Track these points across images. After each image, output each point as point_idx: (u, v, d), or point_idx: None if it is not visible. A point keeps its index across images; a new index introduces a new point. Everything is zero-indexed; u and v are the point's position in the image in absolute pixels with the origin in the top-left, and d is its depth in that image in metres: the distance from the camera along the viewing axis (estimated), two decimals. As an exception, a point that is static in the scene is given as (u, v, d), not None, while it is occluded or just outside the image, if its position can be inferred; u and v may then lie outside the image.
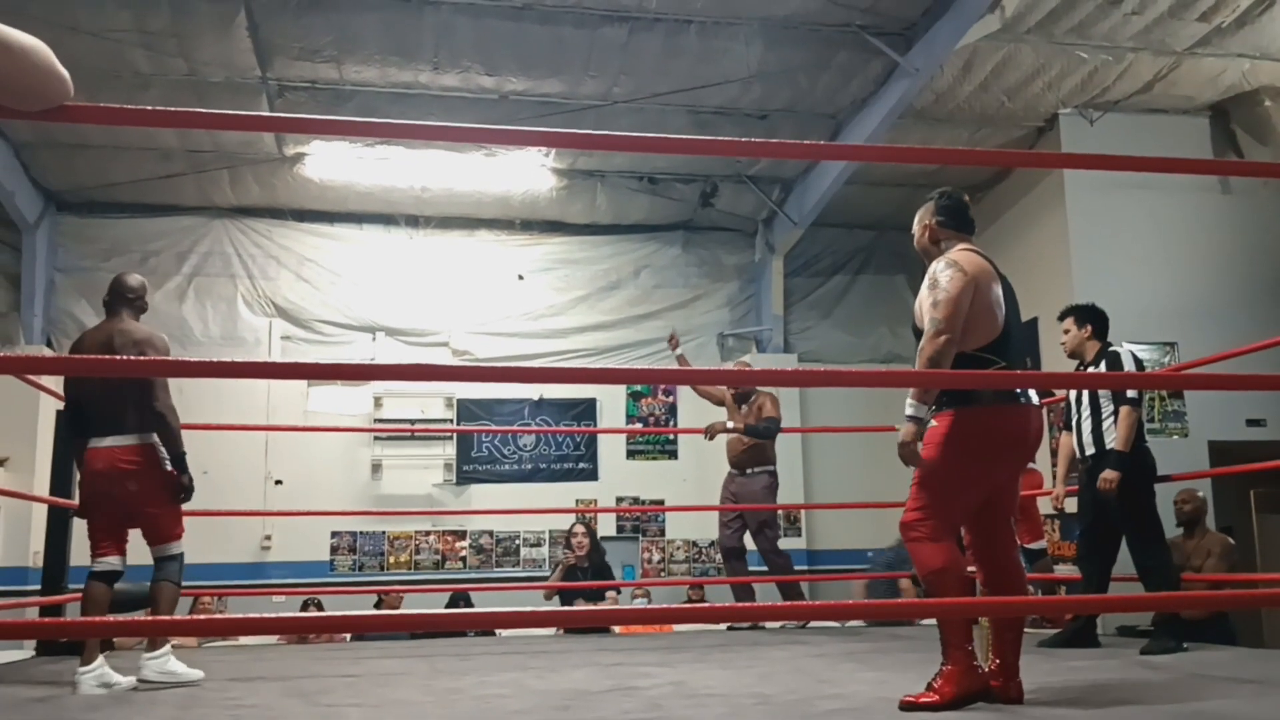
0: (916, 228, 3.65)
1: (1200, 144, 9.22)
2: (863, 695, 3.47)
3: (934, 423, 3.38)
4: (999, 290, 3.43)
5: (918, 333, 3.45)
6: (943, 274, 3.36)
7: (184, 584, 4.47)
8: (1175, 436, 8.67)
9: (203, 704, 3.58)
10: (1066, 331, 5.31)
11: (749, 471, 7.04)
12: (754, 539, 7.02)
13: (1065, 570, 7.82)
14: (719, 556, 10.44)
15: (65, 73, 2.04)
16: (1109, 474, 4.92)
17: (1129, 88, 8.77)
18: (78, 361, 4.29)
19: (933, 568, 3.26)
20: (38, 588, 7.43)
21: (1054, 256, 9.11)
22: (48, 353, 9.66)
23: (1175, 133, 9.09)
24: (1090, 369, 5.20)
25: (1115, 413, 5.03)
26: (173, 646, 4.20)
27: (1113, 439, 5.02)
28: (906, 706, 3.13)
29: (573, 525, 7.70)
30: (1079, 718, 3.05)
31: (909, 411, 3.27)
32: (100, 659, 4.01)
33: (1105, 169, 7.65)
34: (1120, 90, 8.81)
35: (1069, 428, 5.36)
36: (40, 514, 7.80)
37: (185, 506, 4.45)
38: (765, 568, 7.13)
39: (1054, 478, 6.43)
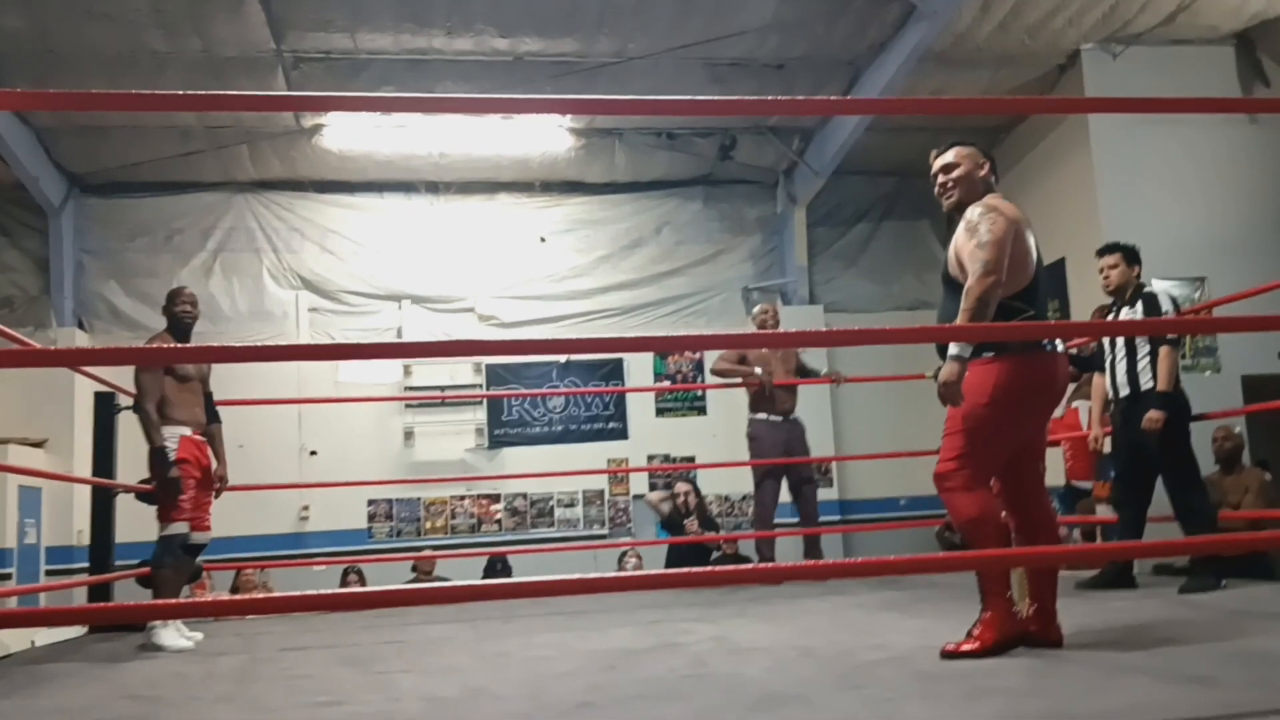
0: (967, 167, 3.50)
1: (1226, 74, 9.07)
2: (904, 645, 3.51)
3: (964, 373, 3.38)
4: (1032, 238, 3.43)
5: (948, 280, 3.44)
6: (983, 219, 3.32)
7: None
8: (1208, 372, 8.61)
9: (258, 677, 3.66)
10: (1114, 268, 5.19)
11: (794, 418, 6.97)
12: (804, 488, 6.88)
13: (1103, 511, 7.82)
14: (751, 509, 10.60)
15: None
16: (1154, 414, 4.90)
17: (1151, 20, 8.63)
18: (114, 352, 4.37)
19: (969, 517, 3.28)
20: (83, 565, 7.60)
21: (1080, 194, 9.02)
22: (80, 334, 9.76)
23: (1200, 64, 8.95)
24: (1126, 308, 5.16)
25: (1152, 353, 5.00)
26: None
27: (1148, 380, 5.00)
28: (948, 655, 3.17)
29: (675, 484, 7.71)
30: (1120, 660, 3.07)
31: (953, 351, 3.25)
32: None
33: (1131, 111, 7.56)
34: (1143, 23, 8.67)
35: (1102, 369, 5.35)
36: (82, 494, 7.94)
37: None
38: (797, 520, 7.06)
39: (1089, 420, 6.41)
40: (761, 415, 6.89)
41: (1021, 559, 3.52)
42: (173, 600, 4.67)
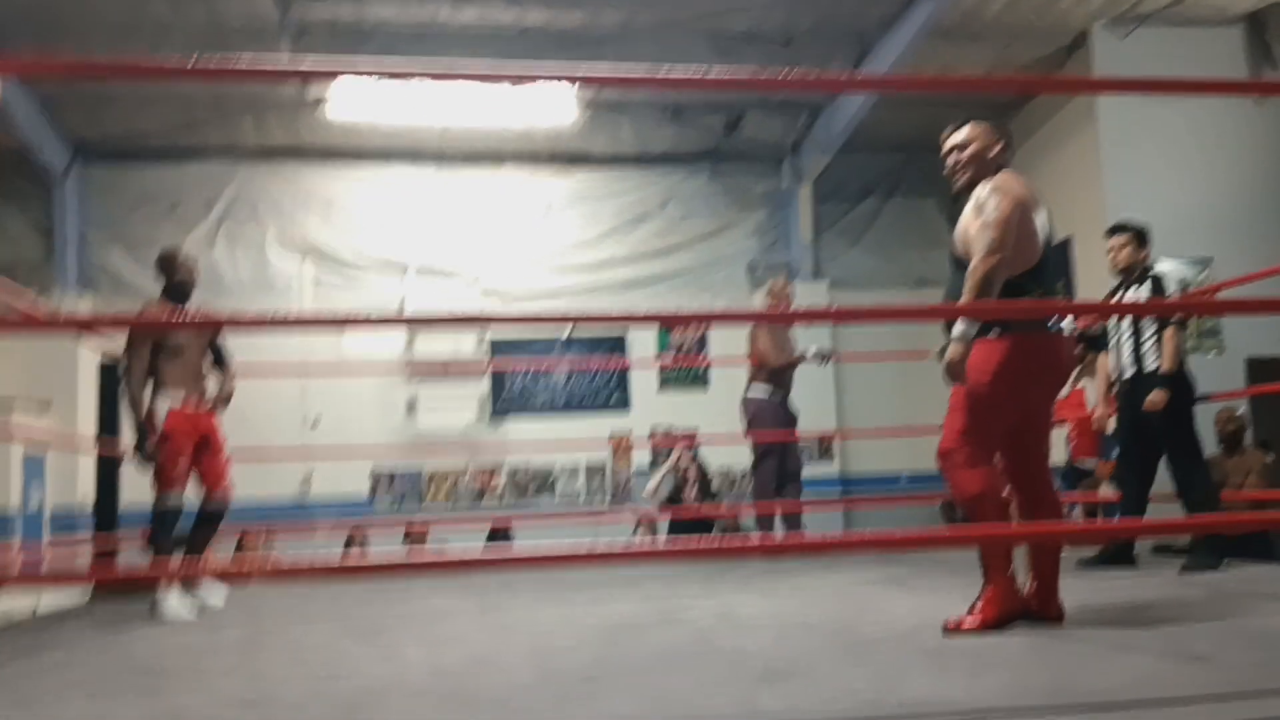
0: (978, 146, 3.50)
1: (1234, 56, 9.02)
2: (907, 620, 3.53)
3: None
4: (1041, 216, 3.43)
5: (955, 259, 3.45)
6: (991, 198, 3.33)
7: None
8: (1212, 354, 8.61)
9: (263, 646, 3.68)
10: (1124, 248, 5.20)
11: (790, 399, 6.98)
12: (789, 486, 6.91)
13: (1106, 490, 7.84)
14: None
15: None
16: (1156, 395, 4.91)
17: (1161, 0, 8.57)
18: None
19: (972, 493, 3.30)
20: (86, 530, 7.63)
21: (1086, 173, 8.99)
22: (84, 301, 9.77)
23: (1209, 45, 8.88)
24: (1133, 288, 5.15)
25: (1157, 334, 5.01)
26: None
27: (1153, 360, 5.00)
28: (950, 630, 3.19)
29: (678, 457, 7.71)
30: (1122, 637, 3.09)
31: (957, 330, 3.27)
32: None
33: (1139, 92, 7.53)
34: (1152, 3, 8.60)
35: (1107, 349, 5.35)
36: (86, 458, 7.97)
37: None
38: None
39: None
40: (766, 392, 6.89)
41: (1024, 536, 3.54)
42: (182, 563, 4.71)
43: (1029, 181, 3.48)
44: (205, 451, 4.97)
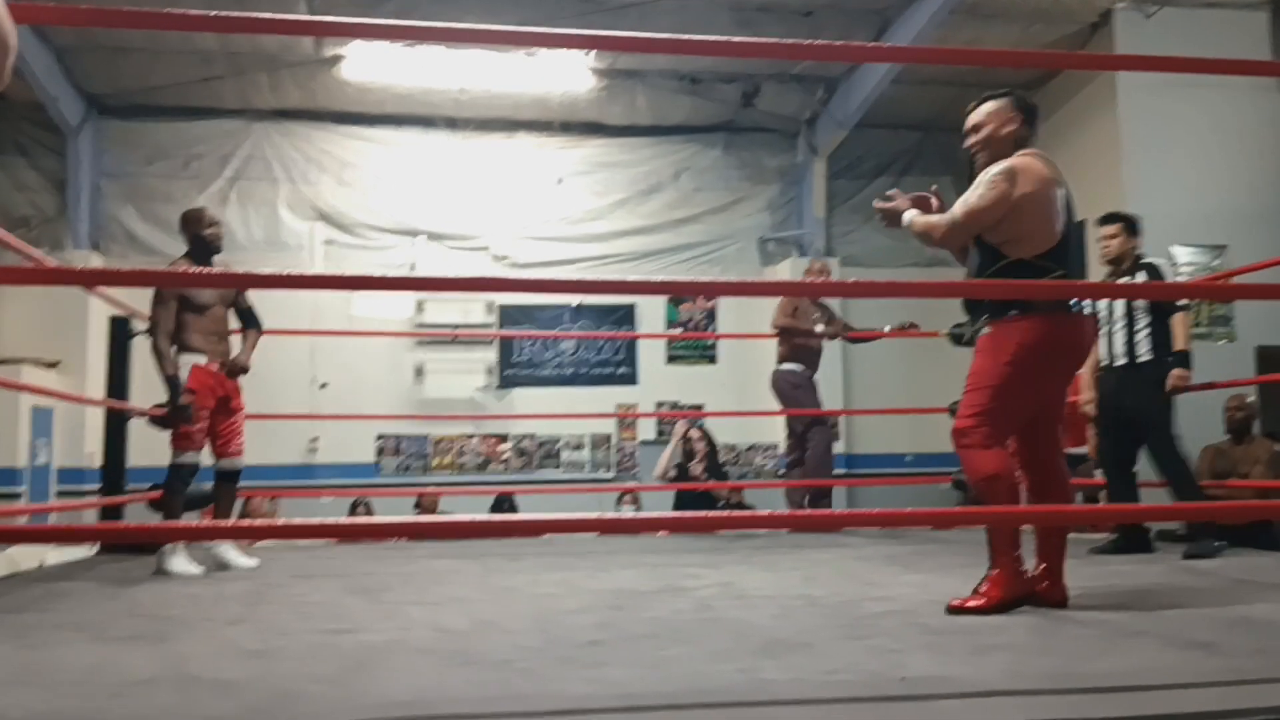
0: (993, 126, 3.50)
1: (1259, 39, 8.94)
2: (908, 598, 3.53)
3: (988, 330, 3.38)
4: (1059, 196, 3.40)
5: (978, 240, 3.46)
6: (984, 183, 3.36)
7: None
8: (1223, 342, 8.58)
9: (269, 600, 3.71)
10: (1113, 238, 5.23)
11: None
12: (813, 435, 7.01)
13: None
14: (761, 460, 10.66)
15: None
16: (1181, 372, 4.93)
17: (1187, -19, 8.50)
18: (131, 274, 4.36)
19: (984, 474, 3.29)
20: (94, 487, 7.66)
21: (1104, 157, 8.93)
22: (95, 257, 9.77)
23: (1233, 28, 8.81)
24: (1124, 278, 5.16)
25: (1153, 323, 5.01)
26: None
27: (1146, 350, 5.01)
28: (954, 610, 3.19)
29: (687, 430, 7.77)
30: (1125, 622, 3.10)
31: (908, 217, 3.60)
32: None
33: (1160, 70, 7.46)
34: (1177, -16, 8.53)
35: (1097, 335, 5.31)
36: (94, 416, 8.00)
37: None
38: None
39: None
40: (799, 366, 6.97)
41: (1029, 517, 3.54)
42: (184, 523, 4.72)
43: (1049, 159, 3.45)
44: (222, 412, 4.93)
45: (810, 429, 6.99)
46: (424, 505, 8.61)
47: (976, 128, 3.55)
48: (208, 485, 5.09)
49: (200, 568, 4.59)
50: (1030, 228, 3.32)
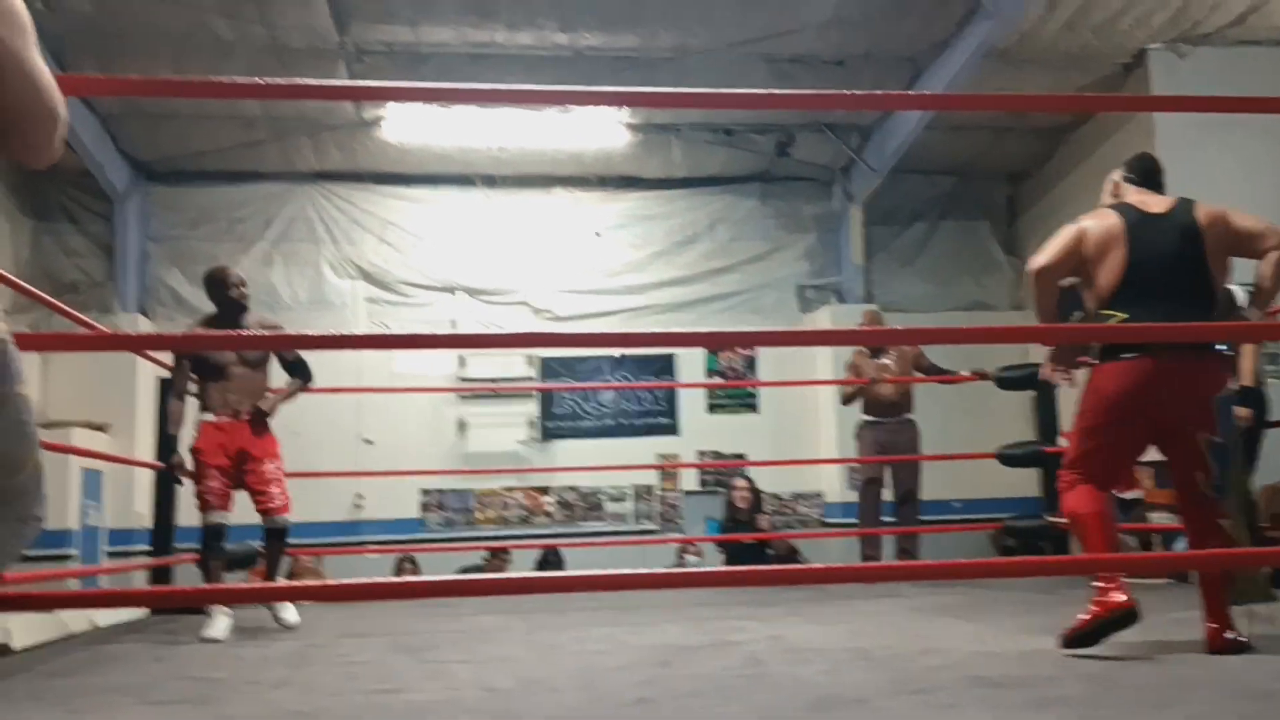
0: (1104, 194, 3.74)
1: (1297, 77, 8.85)
2: (963, 650, 3.47)
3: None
4: (1119, 245, 3.40)
5: (1062, 291, 3.64)
6: (1060, 236, 3.53)
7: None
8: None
9: (314, 661, 3.70)
10: None
11: (902, 418, 7.11)
12: (901, 508, 7.03)
13: (1160, 519, 7.68)
14: (802, 508, 10.56)
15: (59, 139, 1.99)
16: (1242, 411, 4.83)
17: (1221, 20, 8.44)
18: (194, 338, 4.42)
19: (1067, 512, 3.47)
20: (143, 548, 7.73)
21: (1144, 198, 8.84)
22: (143, 321, 9.93)
23: (1271, 66, 8.73)
24: None
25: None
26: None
27: None
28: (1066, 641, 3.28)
29: (734, 479, 7.81)
30: (1183, 672, 3.01)
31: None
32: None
33: (1194, 110, 7.40)
34: (1213, 23, 8.48)
35: None
36: (143, 477, 8.08)
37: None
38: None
39: None
40: (865, 416, 7.20)
41: (1075, 566, 3.59)
42: (228, 585, 4.74)
43: (1132, 206, 3.53)
44: (245, 467, 4.81)
45: (863, 484, 7.16)
46: (498, 556, 8.65)
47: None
48: (256, 543, 5.12)
49: (226, 628, 4.47)
50: (1088, 280, 3.47)
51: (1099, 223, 3.46)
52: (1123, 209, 3.49)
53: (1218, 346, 3.53)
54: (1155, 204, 3.51)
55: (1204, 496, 3.44)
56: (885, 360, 7.22)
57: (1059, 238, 3.49)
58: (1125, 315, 3.34)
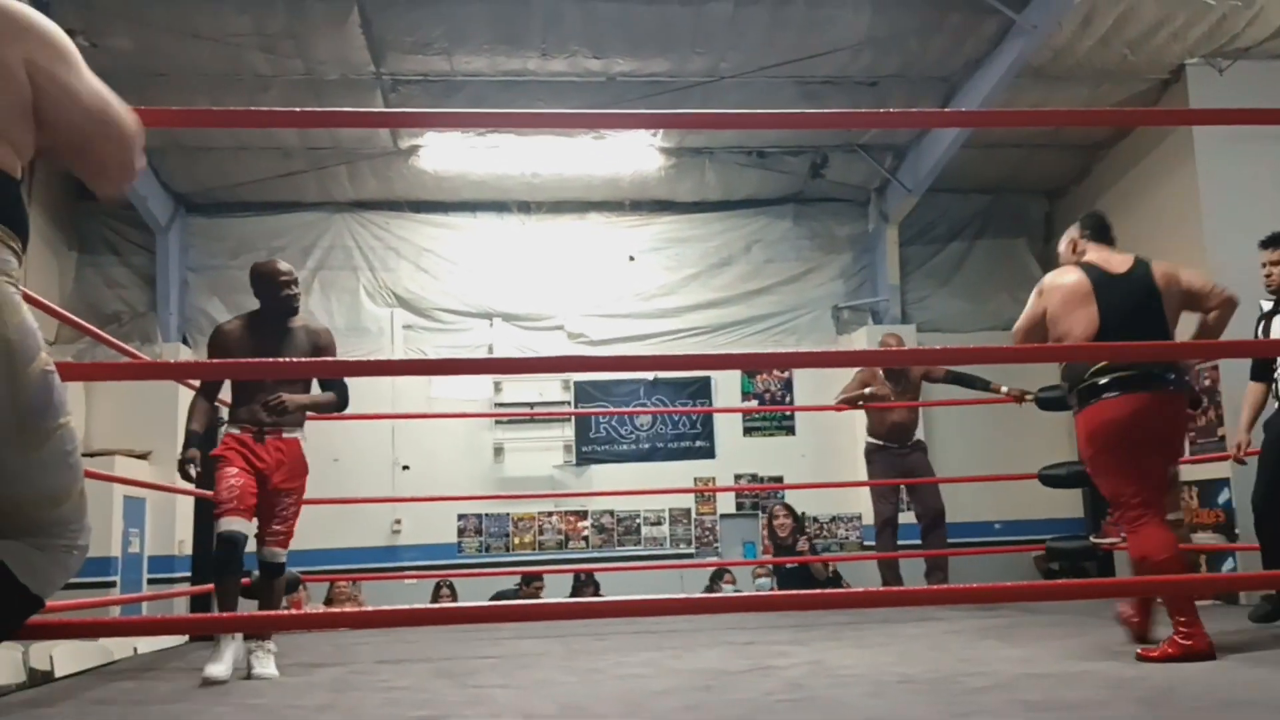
0: (1064, 247, 4.12)
1: (1338, 89, 8.74)
2: (1008, 673, 3.42)
3: None
4: (1089, 303, 3.78)
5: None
6: (1037, 291, 3.98)
7: (321, 570, 4.73)
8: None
9: (356, 687, 3.71)
10: (1278, 264, 4.92)
11: (912, 443, 7.08)
12: (929, 535, 6.95)
13: (1205, 539, 7.57)
14: (841, 530, 10.49)
15: (140, 162, 2.08)
16: None
17: (1260, 33, 8.34)
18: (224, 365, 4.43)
19: (1140, 556, 3.63)
20: (184, 575, 7.79)
21: (1183, 213, 8.75)
22: (185, 350, 10.05)
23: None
24: None
25: None
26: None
27: None
28: (1142, 658, 3.53)
29: (773, 507, 7.80)
30: (1232, 692, 2.96)
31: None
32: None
33: (1232, 123, 7.34)
34: (1250, 36, 8.38)
35: (1262, 377, 5.01)
36: (184, 505, 8.16)
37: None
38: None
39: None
40: (872, 439, 7.05)
41: (1142, 588, 3.91)
42: (267, 612, 4.52)
43: (1094, 265, 3.90)
44: (266, 493, 4.30)
45: (875, 506, 7.07)
46: (527, 592, 8.65)
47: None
48: (293, 570, 5.10)
49: (230, 665, 3.95)
50: (1063, 337, 3.82)
51: (1063, 281, 3.87)
52: (1088, 269, 3.87)
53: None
54: (1116, 263, 3.89)
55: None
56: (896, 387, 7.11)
57: (1030, 304, 3.96)
58: (1097, 365, 3.69)
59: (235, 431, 4.32)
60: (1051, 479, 6.23)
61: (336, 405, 4.54)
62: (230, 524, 4.12)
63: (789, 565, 7.61)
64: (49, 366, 1.90)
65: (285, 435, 4.35)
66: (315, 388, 4.57)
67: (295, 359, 4.30)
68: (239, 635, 4.12)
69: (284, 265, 4.46)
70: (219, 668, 3.88)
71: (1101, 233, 4.03)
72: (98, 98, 1.96)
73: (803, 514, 8.07)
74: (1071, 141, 10.24)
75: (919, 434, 7.34)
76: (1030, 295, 3.98)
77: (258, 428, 4.30)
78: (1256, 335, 5.06)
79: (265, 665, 4.06)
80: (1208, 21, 8.14)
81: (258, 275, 4.45)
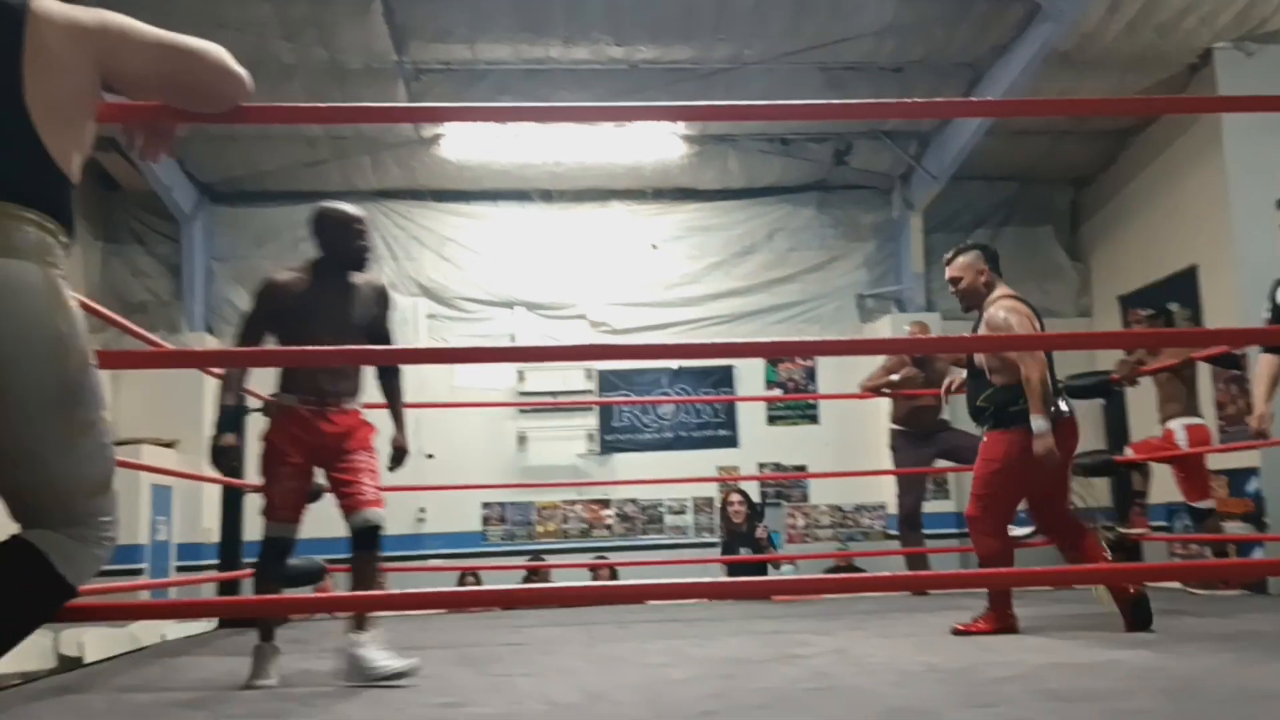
0: (967, 274, 4.60)
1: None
2: (1030, 662, 3.41)
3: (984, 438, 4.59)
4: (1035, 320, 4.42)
5: (971, 367, 4.61)
6: (1011, 317, 4.37)
7: (337, 560, 4.57)
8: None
9: (379, 674, 3.71)
10: None
11: (942, 431, 7.11)
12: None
13: (1235, 528, 7.49)
14: (865, 519, 10.46)
15: (242, 72, 2.16)
16: None
17: (1290, 17, 8.25)
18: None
19: (983, 555, 4.41)
20: (212, 562, 7.85)
21: (1212, 199, 8.65)
22: (209, 338, 10.11)
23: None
24: None
25: None
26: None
27: None
28: (958, 632, 4.22)
29: (728, 494, 7.74)
30: (1261, 685, 2.93)
31: (1038, 427, 4.21)
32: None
33: (1261, 110, 7.25)
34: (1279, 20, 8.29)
35: (1276, 350, 5.02)
36: (211, 492, 8.22)
37: None
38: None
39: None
40: (899, 427, 7.12)
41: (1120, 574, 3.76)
42: (296, 597, 4.62)
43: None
44: (336, 463, 3.79)
45: (902, 494, 7.08)
46: (539, 576, 8.67)
47: (954, 280, 4.64)
48: (318, 558, 5.12)
49: (271, 678, 3.59)
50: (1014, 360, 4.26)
51: (1025, 313, 4.43)
52: (1025, 301, 4.46)
53: None
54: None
55: (1061, 514, 4.51)
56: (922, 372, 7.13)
57: (1025, 326, 4.44)
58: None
59: (292, 404, 3.74)
60: (1079, 468, 6.20)
61: (399, 395, 4.17)
62: (281, 530, 3.74)
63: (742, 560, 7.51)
64: (92, 359, 1.95)
65: (346, 406, 3.83)
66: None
67: (349, 324, 3.78)
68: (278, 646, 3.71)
69: (356, 210, 3.93)
70: (268, 681, 3.56)
71: (998, 267, 4.59)
72: (170, 36, 2.07)
73: (754, 505, 8.01)
74: (1099, 128, 10.14)
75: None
76: (1010, 317, 4.42)
77: (319, 398, 3.74)
78: (1272, 300, 5.04)
79: (379, 660, 3.50)
80: (1236, 6, 8.03)
81: (326, 220, 3.86)
